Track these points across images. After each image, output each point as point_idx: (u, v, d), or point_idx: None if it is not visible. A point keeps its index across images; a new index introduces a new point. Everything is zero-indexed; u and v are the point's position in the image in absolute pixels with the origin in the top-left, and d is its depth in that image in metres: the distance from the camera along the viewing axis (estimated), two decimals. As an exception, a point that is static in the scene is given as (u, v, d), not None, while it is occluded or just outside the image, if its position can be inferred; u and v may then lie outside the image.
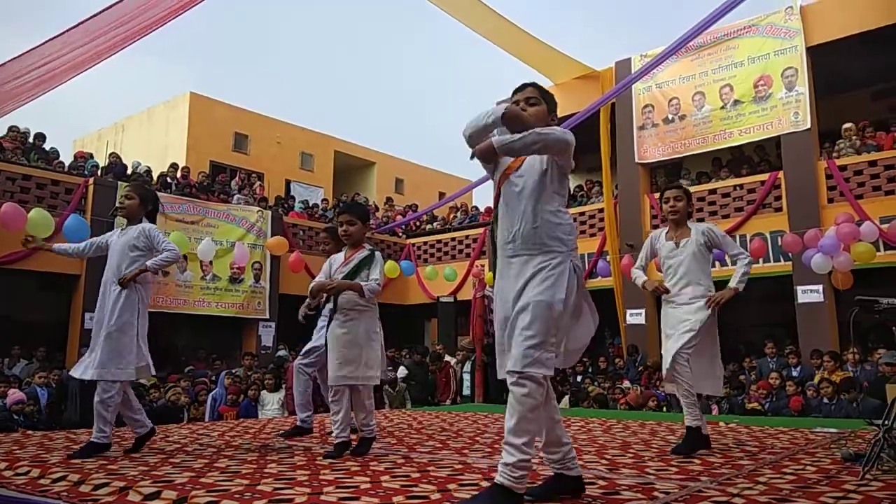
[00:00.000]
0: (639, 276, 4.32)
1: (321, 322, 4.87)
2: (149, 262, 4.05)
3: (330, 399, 3.96)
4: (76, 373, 3.99)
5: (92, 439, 3.83)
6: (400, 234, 16.10)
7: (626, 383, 9.65)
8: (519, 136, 2.39)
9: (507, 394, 2.36)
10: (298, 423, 4.74)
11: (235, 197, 13.52)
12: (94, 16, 5.74)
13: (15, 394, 7.35)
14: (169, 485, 2.78)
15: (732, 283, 4.04)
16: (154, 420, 6.75)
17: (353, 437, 4.05)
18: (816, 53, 10.77)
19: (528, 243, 2.48)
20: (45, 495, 2.74)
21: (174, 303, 11.33)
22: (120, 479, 2.91)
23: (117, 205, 4.31)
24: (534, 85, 2.71)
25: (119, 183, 11.05)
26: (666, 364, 3.97)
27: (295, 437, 4.67)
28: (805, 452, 3.90)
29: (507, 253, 2.54)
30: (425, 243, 15.58)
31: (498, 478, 2.34)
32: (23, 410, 7.15)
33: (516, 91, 2.71)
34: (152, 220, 4.29)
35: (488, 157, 2.48)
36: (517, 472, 2.31)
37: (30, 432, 5.50)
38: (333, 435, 3.90)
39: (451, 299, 13.74)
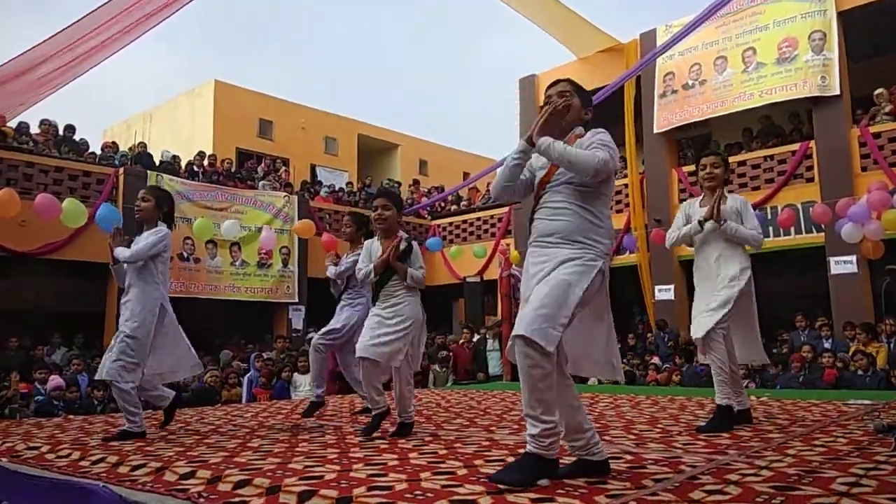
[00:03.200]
0: (680, 231, 4.09)
1: (345, 304, 4.97)
2: (121, 250, 4.06)
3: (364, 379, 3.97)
4: (98, 374, 4.09)
5: (125, 428, 3.95)
6: (425, 216, 16.13)
7: (656, 360, 9.59)
8: (561, 146, 2.45)
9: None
10: (313, 398, 4.83)
11: (261, 183, 13.66)
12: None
13: (55, 380, 7.59)
14: (203, 464, 2.85)
15: (731, 226, 3.90)
16: (191, 402, 6.94)
17: (364, 417, 4.21)
18: (848, 18, 10.45)
19: (567, 238, 2.49)
20: (85, 476, 2.84)
21: (205, 288, 11.54)
22: (156, 460, 2.99)
23: (134, 208, 4.34)
24: (567, 80, 2.70)
25: (148, 172, 11.25)
26: (696, 331, 3.90)
27: (315, 414, 4.77)
28: (837, 425, 3.85)
29: (544, 243, 2.54)
30: (451, 224, 15.59)
31: (528, 447, 2.36)
32: (63, 396, 7.36)
33: (550, 87, 2.70)
34: (169, 222, 4.30)
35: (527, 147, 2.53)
36: (545, 440, 2.33)
37: (71, 417, 5.69)
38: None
39: (477, 279, 13.77)
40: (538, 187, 2.65)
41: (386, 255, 3.87)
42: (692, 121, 11.81)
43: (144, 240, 4.12)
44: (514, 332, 2.35)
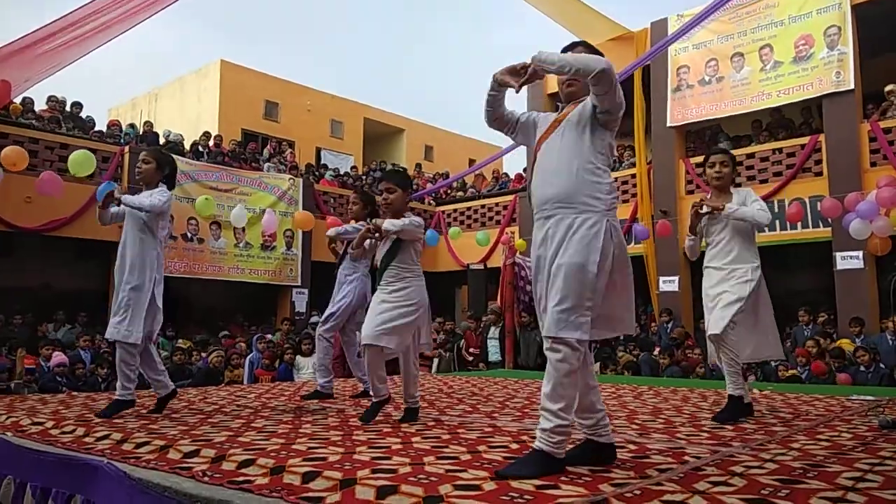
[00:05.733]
0: (689, 239, 4.14)
1: (341, 279, 4.98)
2: (125, 197, 4.00)
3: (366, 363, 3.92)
4: (107, 333, 4.11)
5: (116, 397, 3.96)
6: (430, 202, 16.08)
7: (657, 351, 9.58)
8: (558, 55, 2.46)
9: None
10: (318, 387, 4.82)
11: (266, 165, 13.62)
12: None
13: (58, 356, 7.62)
14: (207, 443, 2.86)
15: (730, 208, 3.88)
16: (195, 382, 6.95)
17: (364, 400, 4.39)
18: (861, 12, 10.34)
19: (564, 202, 2.41)
20: (89, 452, 2.85)
21: (209, 269, 11.54)
22: (161, 438, 3.00)
23: (136, 170, 4.29)
24: (583, 44, 2.63)
25: (153, 151, 11.22)
26: (713, 328, 3.85)
27: (325, 400, 4.77)
28: (841, 419, 3.85)
29: (543, 214, 2.48)
30: (455, 210, 15.55)
31: (537, 443, 2.34)
32: (65, 372, 7.39)
33: (566, 49, 2.62)
34: (171, 184, 4.23)
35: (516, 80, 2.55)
36: (555, 437, 2.31)
37: (75, 393, 5.70)
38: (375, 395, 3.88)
39: (480, 266, 13.74)
40: (533, 152, 2.62)
41: (361, 235, 3.85)
42: (708, 118, 11.74)
43: (157, 195, 4.03)
44: (543, 333, 2.39)
